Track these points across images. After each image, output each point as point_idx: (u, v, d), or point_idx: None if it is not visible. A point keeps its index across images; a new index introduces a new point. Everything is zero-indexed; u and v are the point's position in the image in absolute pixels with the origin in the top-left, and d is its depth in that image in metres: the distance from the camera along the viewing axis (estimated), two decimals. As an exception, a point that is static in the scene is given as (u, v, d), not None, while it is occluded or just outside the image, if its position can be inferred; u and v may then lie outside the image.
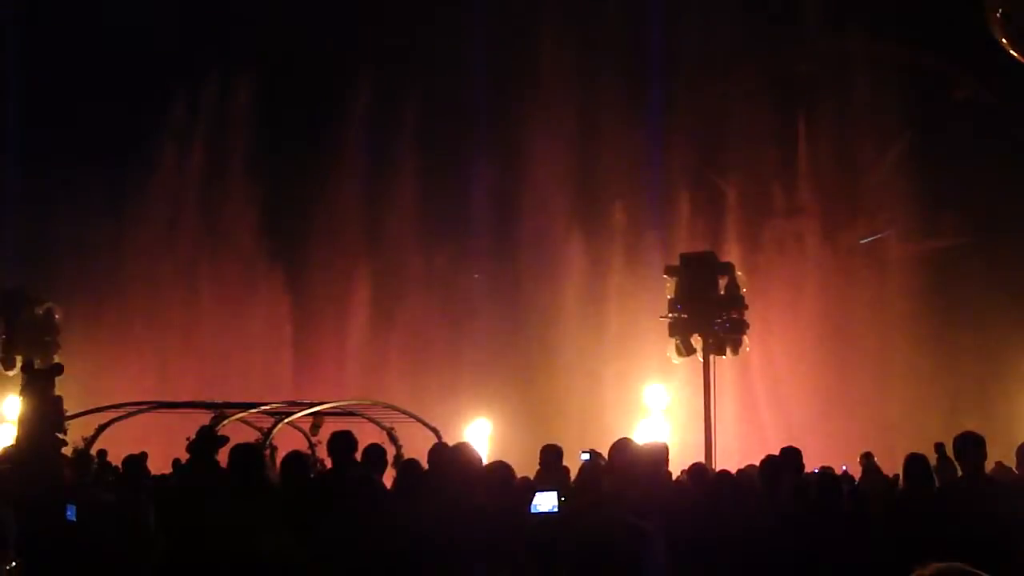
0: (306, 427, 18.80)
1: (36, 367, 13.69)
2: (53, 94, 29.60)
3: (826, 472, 13.18)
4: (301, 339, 31.16)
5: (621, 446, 6.22)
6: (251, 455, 7.20)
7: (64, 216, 29.05)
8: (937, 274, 28.36)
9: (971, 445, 6.98)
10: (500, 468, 5.76)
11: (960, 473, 7.14)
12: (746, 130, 29.84)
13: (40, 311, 24.80)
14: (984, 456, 7.05)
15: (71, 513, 7.81)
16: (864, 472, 16.79)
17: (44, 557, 6.79)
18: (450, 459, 5.84)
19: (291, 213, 31.38)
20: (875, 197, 30.19)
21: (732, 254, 25.60)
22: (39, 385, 12.07)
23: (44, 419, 11.61)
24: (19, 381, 14.20)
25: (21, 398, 12.58)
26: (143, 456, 13.12)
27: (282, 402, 19.65)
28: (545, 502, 5.75)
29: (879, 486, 13.80)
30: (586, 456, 12.15)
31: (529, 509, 5.52)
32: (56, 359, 23.17)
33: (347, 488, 6.12)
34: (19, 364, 23.54)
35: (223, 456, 8.34)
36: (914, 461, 7.58)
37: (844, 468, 16.98)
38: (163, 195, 31.62)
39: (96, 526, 7.74)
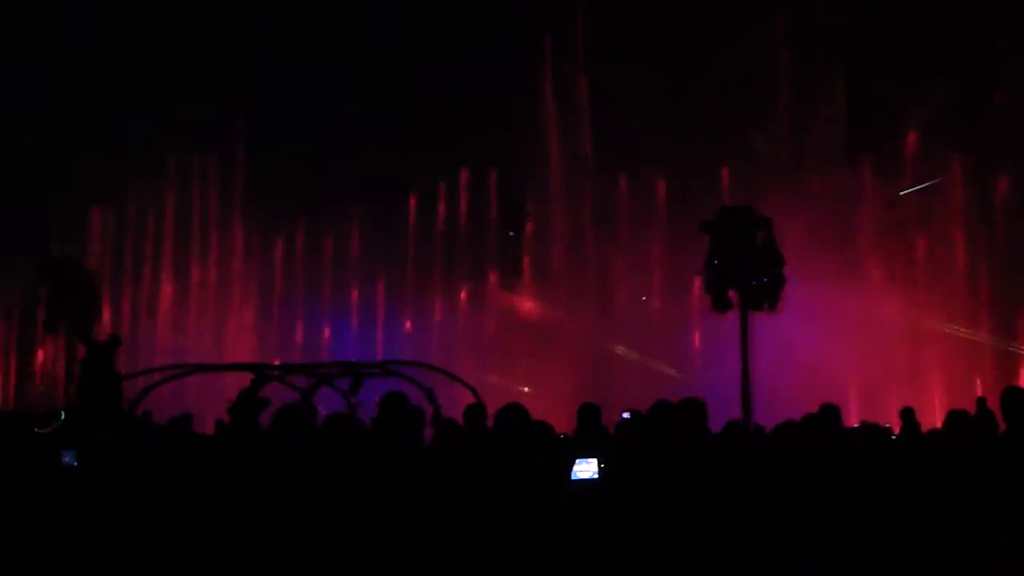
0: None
1: (96, 339, 13.90)
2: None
3: (870, 426, 13.10)
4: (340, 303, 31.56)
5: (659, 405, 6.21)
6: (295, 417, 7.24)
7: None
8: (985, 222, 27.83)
9: (1019, 398, 6.85)
10: (543, 427, 5.75)
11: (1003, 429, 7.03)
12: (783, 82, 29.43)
13: (83, 278, 25.17)
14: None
15: (69, 458, 7.68)
16: (903, 428, 16.60)
17: (41, 504, 6.72)
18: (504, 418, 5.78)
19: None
20: (917, 147, 29.64)
21: (770, 209, 25.28)
22: (101, 357, 12.24)
23: (105, 392, 11.79)
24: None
25: (83, 369, 12.77)
26: (186, 417, 13.32)
27: (320, 363, 19.87)
28: (586, 469, 5.70)
29: (921, 442, 13.64)
30: (627, 416, 12.13)
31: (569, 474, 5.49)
32: (98, 325, 23.61)
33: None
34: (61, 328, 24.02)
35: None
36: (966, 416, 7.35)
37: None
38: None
39: (99, 469, 7.59)
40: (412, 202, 31.98)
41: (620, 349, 29.24)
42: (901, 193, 29.20)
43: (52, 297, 25.11)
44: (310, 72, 30.66)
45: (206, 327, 30.57)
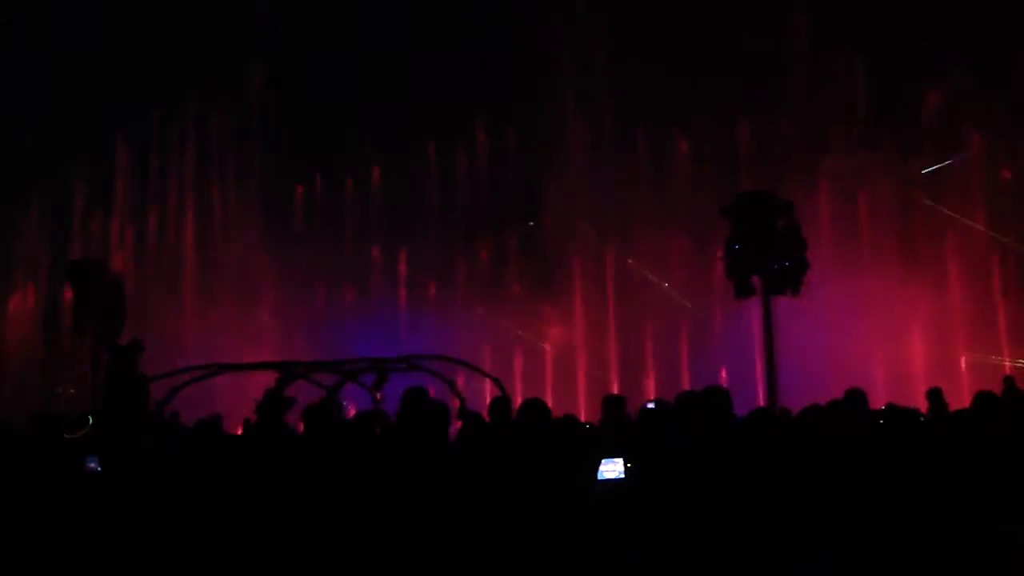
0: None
1: (119, 344, 14.04)
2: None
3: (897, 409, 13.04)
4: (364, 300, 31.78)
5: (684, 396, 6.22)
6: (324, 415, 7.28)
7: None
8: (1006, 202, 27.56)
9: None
10: (568, 423, 5.75)
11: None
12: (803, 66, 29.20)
13: (109, 280, 25.36)
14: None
15: (93, 463, 7.64)
16: (931, 409, 16.47)
17: (62, 510, 6.77)
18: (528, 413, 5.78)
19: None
20: (937, 125, 29.33)
21: (791, 193, 25.14)
22: (125, 362, 12.38)
23: (131, 396, 11.90)
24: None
25: (108, 374, 12.89)
26: (216, 418, 13.43)
27: (345, 359, 19.96)
28: (612, 469, 5.61)
29: (949, 423, 13.55)
30: (651, 406, 12.13)
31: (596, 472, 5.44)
32: (126, 328, 23.83)
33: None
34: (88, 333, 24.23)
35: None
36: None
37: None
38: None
39: (125, 474, 7.54)
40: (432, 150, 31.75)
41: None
42: (923, 171, 28.92)
43: (78, 300, 25.33)
44: (309, 75, 30.83)
45: (231, 325, 30.78)
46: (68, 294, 26.65)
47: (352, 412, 17.10)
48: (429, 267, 31.23)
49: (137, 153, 31.37)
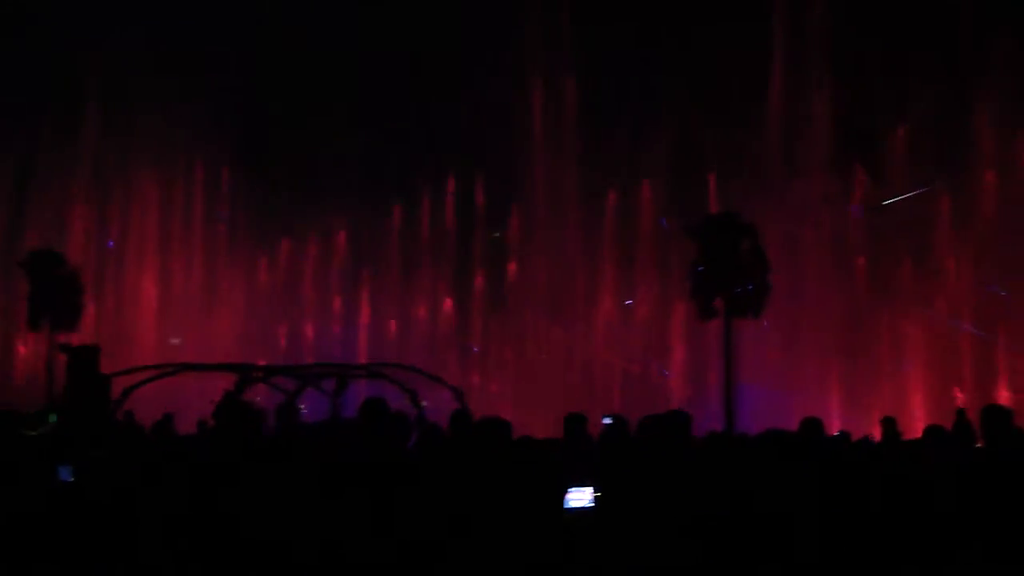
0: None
1: (74, 347, 13.84)
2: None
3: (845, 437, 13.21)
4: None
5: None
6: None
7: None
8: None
9: (997, 417, 6.93)
10: (528, 443, 5.73)
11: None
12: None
13: (65, 273, 24.92)
14: (1010, 428, 7.00)
15: (65, 474, 7.51)
16: (884, 438, 16.69)
17: (34, 521, 6.67)
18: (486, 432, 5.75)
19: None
20: (898, 157, 29.75)
21: (756, 216, 25.39)
22: (84, 363, 12.21)
23: (92, 397, 11.74)
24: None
25: (68, 376, 12.71)
26: (167, 418, 13.31)
27: (305, 364, 19.84)
28: (579, 498, 5.53)
29: (902, 452, 13.74)
30: (608, 421, 12.17)
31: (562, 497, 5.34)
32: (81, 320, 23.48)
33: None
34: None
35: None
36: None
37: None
38: None
39: (94, 485, 7.48)
40: (396, 211, 32.11)
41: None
42: (884, 203, 29.34)
43: (34, 293, 24.84)
44: (293, 75, 30.64)
45: (191, 326, 30.49)
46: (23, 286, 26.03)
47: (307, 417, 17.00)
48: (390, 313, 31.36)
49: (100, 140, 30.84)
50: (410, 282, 31.44)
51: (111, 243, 31.23)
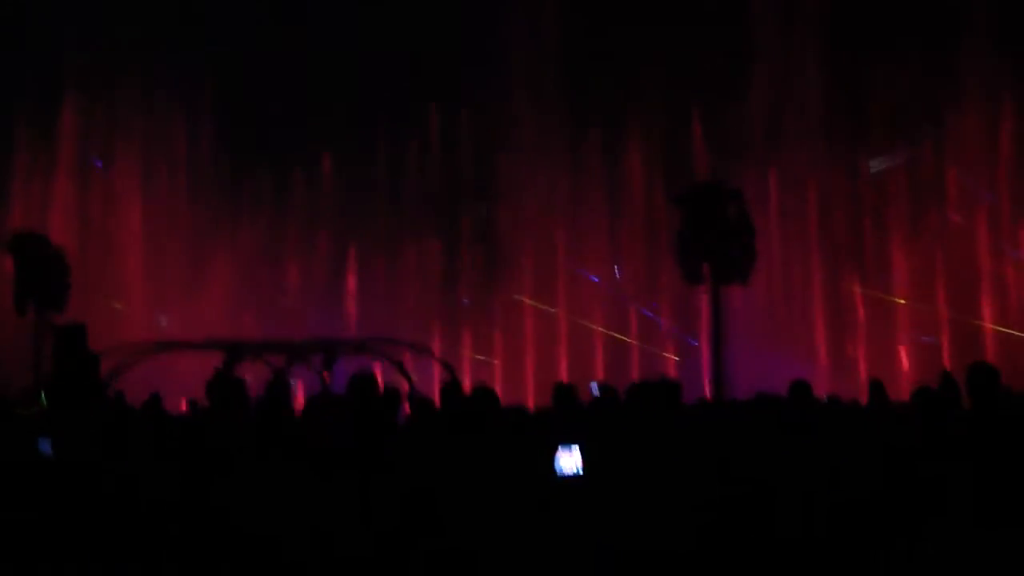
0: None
1: (61, 326, 13.74)
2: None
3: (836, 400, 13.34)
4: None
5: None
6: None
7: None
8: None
9: (984, 376, 6.96)
10: (518, 412, 5.77)
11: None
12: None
13: (51, 253, 24.73)
14: (996, 388, 7.06)
15: (45, 446, 7.45)
16: (871, 399, 16.81)
17: (17, 495, 6.66)
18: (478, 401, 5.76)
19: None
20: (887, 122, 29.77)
21: (742, 181, 25.38)
22: (71, 342, 12.14)
23: (81, 376, 11.69)
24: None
25: (54, 356, 12.65)
26: (154, 398, 13.27)
27: (294, 340, 19.83)
28: (568, 463, 5.25)
29: (889, 414, 13.87)
30: (595, 390, 12.22)
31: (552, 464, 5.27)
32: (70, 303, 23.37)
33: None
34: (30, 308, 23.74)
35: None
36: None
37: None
38: None
39: (78, 458, 7.39)
40: (381, 151, 31.71)
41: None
42: (873, 170, 29.39)
43: (20, 273, 24.63)
44: (271, 24, 30.37)
45: (177, 301, 30.38)
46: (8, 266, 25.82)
47: (300, 392, 17.02)
48: (378, 254, 31.07)
49: (83, 117, 30.50)
50: (398, 230, 31.16)
51: (98, 162, 30.93)
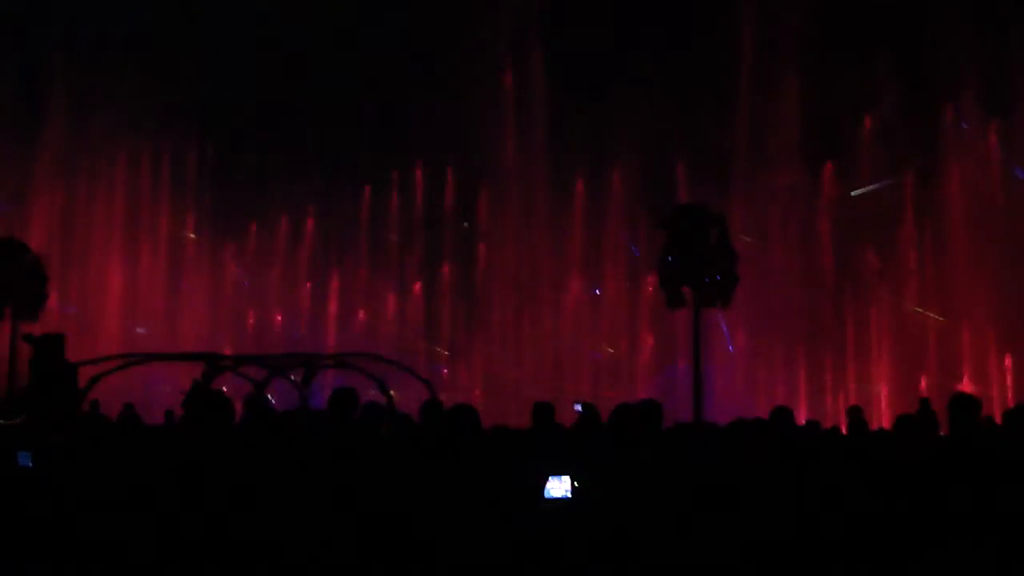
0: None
1: (38, 336, 13.64)
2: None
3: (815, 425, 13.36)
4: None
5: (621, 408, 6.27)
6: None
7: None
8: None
9: (963, 407, 6.98)
10: (500, 432, 5.73)
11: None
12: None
13: (28, 260, 24.47)
14: (975, 419, 7.07)
15: (24, 460, 7.44)
16: (851, 426, 16.88)
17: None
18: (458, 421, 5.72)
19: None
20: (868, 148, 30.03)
21: (724, 207, 25.55)
22: (49, 352, 12.04)
23: (58, 387, 11.58)
24: None
25: (32, 366, 12.55)
26: (128, 408, 13.20)
27: (273, 354, 19.71)
28: (558, 488, 5.37)
29: (868, 441, 13.91)
30: (579, 408, 12.17)
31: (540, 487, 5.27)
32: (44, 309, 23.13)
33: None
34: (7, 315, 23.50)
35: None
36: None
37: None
38: None
39: (54, 471, 7.29)
40: (367, 192, 31.92)
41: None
42: (853, 193, 29.59)
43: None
44: (264, 65, 30.39)
45: (157, 314, 30.17)
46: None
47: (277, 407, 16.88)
48: (358, 302, 31.24)
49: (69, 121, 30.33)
50: (378, 272, 31.34)
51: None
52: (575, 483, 5.28)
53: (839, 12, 28.66)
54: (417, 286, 31.30)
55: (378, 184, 31.80)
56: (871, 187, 29.39)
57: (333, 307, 31.17)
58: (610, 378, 28.75)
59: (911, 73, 28.07)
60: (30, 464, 7.28)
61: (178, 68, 29.18)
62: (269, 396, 17.21)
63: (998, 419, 10.93)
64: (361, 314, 31.02)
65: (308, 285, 31.44)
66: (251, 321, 30.73)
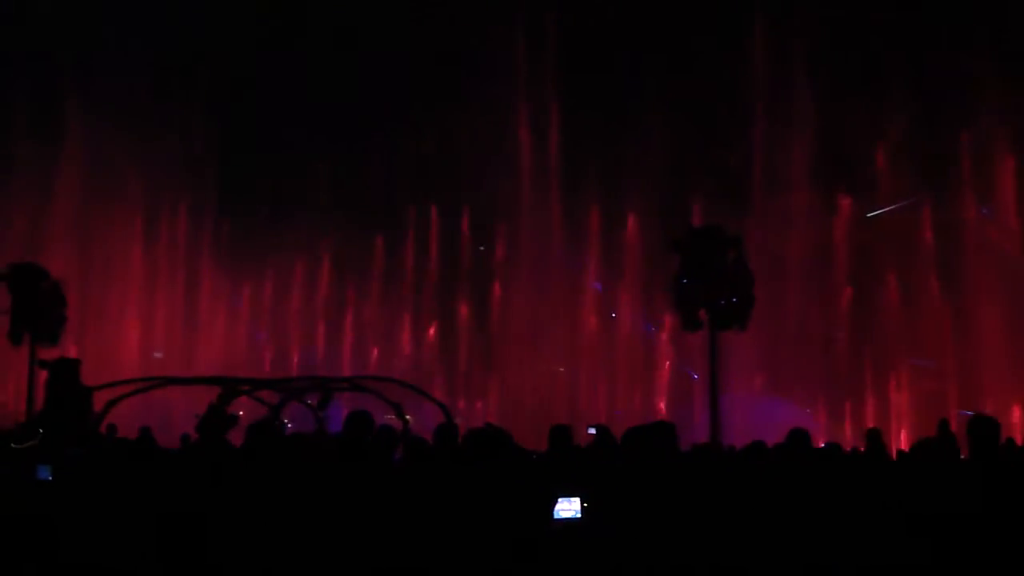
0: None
1: (54, 360, 13.75)
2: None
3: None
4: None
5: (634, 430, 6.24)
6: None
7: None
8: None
9: (984, 428, 6.90)
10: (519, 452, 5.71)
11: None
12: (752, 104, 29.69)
13: (48, 285, 24.66)
14: (996, 439, 6.99)
15: (44, 473, 7.57)
16: (869, 449, 16.69)
17: (16, 519, 6.63)
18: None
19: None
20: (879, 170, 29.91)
21: (741, 228, 25.44)
22: (65, 377, 12.13)
23: (74, 411, 11.67)
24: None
25: (47, 390, 12.65)
26: (145, 431, 13.21)
27: (289, 378, 19.73)
28: (568, 508, 5.51)
29: (887, 463, 13.75)
30: (593, 431, 12.13)
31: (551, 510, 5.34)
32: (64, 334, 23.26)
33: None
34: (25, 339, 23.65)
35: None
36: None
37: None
38: None
39: (73, 484, 7.41)
40: (379, 240, 32.19)
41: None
42: (869, 215, 29.45)
43: (16, 307, 24.53)
44: (279, 108, 30.76)
45: (175, 340, 30.33)
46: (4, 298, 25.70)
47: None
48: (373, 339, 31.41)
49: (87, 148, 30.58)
50: (394, 310, 31.57)
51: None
52: (585, 504, 5.28)
53: (853, 36, 28.69)
54: (432, 330, 31.50)
55: (392, 226, 32.03)
56: (886, 209, 29.27)
57: (348, 343, 31.36)
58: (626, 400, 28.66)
59: (926, 95, 28.01)
60: (49, 477, 7.37)
61: (191, 118, 29.61)
62: (285, 420, 17.20)
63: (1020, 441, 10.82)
64: (375, 352, 31.23)
65: (321, 325, 31.66)
66: (268, 357, 30.89)
